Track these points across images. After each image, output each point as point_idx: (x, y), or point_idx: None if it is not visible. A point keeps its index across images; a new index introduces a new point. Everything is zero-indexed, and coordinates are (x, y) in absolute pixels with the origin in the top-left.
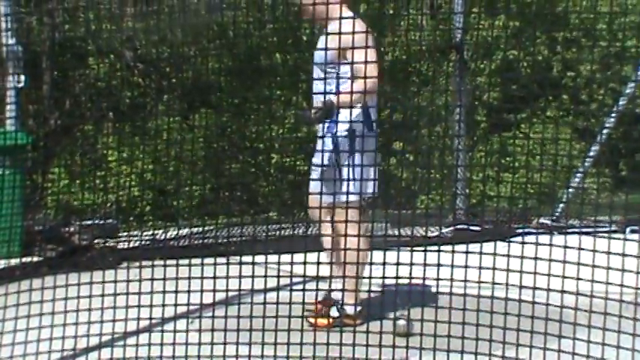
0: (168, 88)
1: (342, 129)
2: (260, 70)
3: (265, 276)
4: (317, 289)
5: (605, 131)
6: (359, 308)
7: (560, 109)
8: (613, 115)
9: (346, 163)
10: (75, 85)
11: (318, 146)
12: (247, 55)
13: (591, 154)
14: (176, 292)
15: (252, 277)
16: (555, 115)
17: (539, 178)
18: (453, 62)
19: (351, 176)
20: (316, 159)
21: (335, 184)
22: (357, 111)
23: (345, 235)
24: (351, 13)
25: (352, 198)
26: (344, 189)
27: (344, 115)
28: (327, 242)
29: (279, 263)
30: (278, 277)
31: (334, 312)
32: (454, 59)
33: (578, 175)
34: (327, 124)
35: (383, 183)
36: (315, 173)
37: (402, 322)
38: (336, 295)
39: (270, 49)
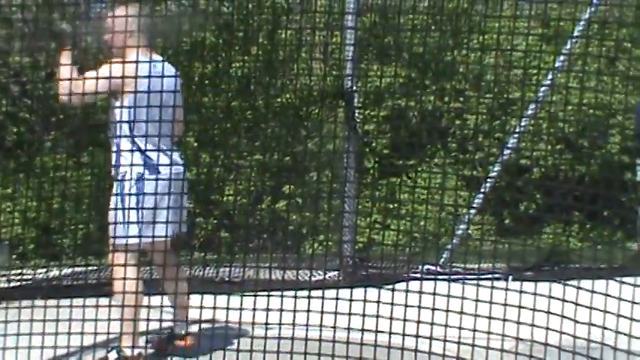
0: (56, 124)
1: (122, 172)
2: None
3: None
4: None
5: (489, 180)
6: (137, 351)
7: (448, 157)
8: (498, 164)
9: (127, 206)
10: None
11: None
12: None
13: (476, 202)
14: (56, 334)
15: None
16: (442, 163)
17: (424, 225)
18: (342, 108)
19: (133, 219)
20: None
21: (118, 228)
22: (137, 154)
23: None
24: (144, 57)
25: (131, 241)
26: (124, 233)
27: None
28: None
29: (162, 306)
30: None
31: (113, 354)
32: (343, 105)
33: (463, 222)
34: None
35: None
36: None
37: None
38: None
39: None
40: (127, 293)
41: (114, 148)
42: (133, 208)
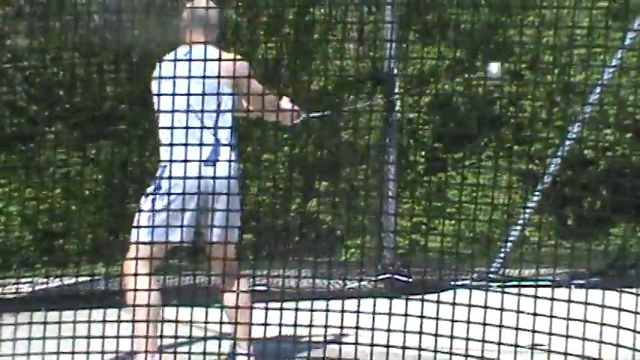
0: (61, 115)
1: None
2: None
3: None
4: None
5: (549, 175)
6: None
7: (500, 149)
8: (558, 157)
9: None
10: None
11: None
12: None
13: (533, 200)
14: (57, 352)
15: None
16: (494, 156)
17: (473, 227)
18: (380, 95)
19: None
20: None
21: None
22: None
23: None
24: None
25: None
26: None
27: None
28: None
29: (176, 320)
30: (175, 336)
31: None
32: (382, 91)
33: (519, 223)
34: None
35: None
36: None
37: None
38: None
39: None
40: (140, 306)
41: None
42: (143, 211)
